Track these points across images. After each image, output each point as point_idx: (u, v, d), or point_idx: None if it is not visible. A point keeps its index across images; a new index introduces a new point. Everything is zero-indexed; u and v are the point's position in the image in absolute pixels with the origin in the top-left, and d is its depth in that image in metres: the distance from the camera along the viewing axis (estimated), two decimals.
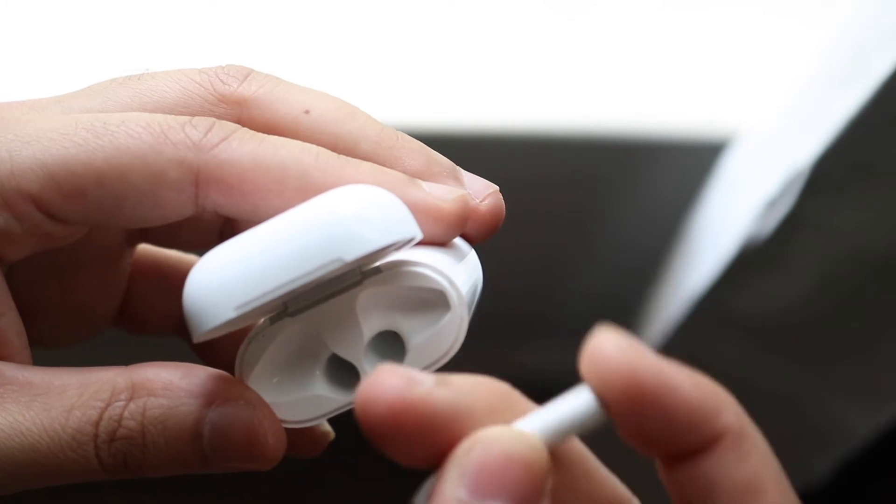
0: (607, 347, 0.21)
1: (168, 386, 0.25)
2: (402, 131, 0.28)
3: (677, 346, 0.62)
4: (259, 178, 0.25)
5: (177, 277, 0.32)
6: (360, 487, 0.83)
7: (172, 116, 0.26)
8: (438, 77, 0.60)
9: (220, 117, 0.27)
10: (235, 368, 0.27)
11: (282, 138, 0.26)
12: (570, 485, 0.23)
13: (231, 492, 0.77)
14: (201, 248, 0.26)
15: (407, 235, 0.25)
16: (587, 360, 0.21)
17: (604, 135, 0.61)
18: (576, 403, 0.22)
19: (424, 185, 0.27)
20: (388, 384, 0.20)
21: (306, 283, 0.24)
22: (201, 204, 0.26)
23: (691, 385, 0.21)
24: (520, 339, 0.80)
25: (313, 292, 0.26)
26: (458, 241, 0.28)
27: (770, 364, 0.60)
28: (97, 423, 0.25)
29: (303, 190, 0.25)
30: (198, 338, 0.25)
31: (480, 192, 0.28)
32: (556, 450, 0.22)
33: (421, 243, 0.26)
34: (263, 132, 0.26)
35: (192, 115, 0.26)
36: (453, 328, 0.26)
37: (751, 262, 0.55)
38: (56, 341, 0.31)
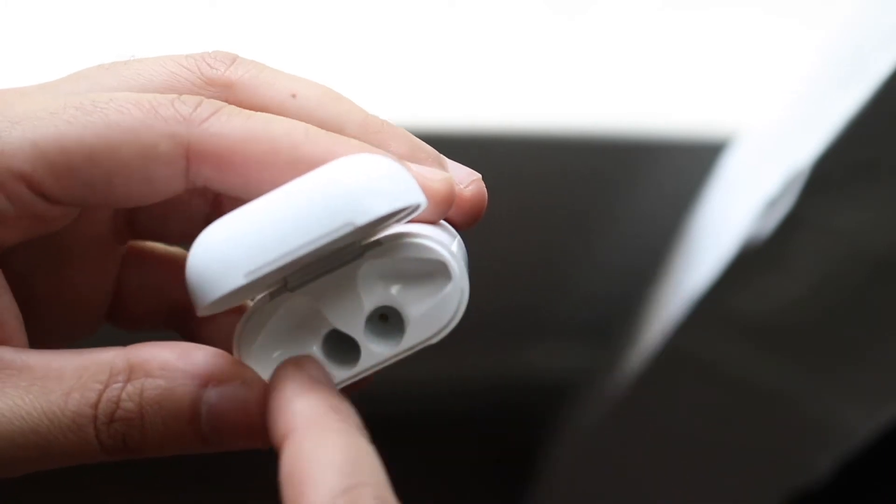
0: None
1: (165, 366, 0.25)
2: None
3: (677, 346, 0.62)
4: (250, 151, 0.25)
5: (165, 270, 0.32)
6: None
7: (161, 94, 0.26)
8: (438, 76, 0.60)
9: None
10: (233, 345, 0.27)
11: (271, 115, 0.26)
12: None
13: (231, 489, 0.77)
14: (188, 241, 0.26)
15: (414, 201, 0.25)
16: None
17: (604, 135, 0.61)
18: None
19: (412, 165, 0.27)
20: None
21: (316, 248, 0.24)
22: (192, 179, 0.26)
23: None
24: (519, 338, 0.80)
25: (314, 266, 0.26)
26: (445, 224, 0.28)
27: (770, 364, 0.60)
28: (96, 405, 0.25)
29: (294, 163, 0.25)
30: (202, 310, 0.25)
31: (464, 179, 0.28)
32: None
33: (412, 222, 0.27)
34: None
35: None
36: (454, 300, 0.26)
37: (751, 262, 0.55)
38: (48, 341, 0.31)
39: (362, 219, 0.24)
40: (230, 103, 0.27)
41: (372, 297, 0.26)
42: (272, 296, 0.27)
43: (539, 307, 0.79)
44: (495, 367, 0.81)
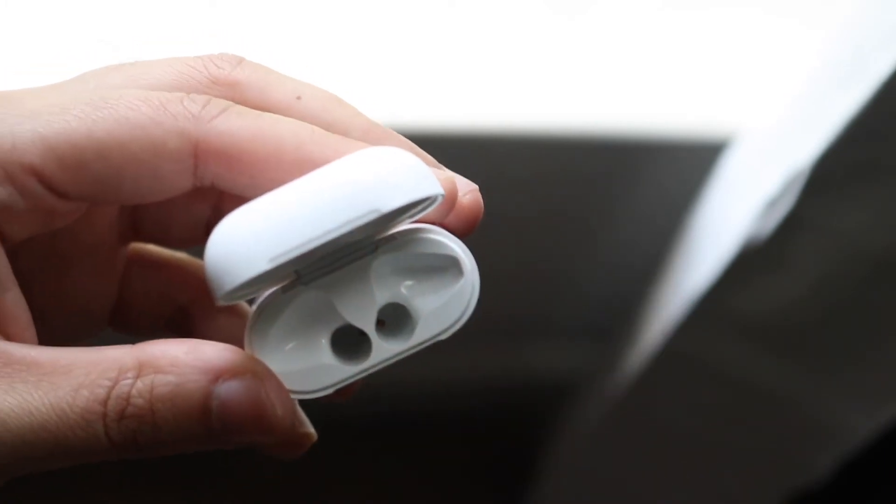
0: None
1: (175, 362, 0.25)
2: (402, 131, 0.29)
3: (677, 346, 0.62)
4: (257, 149, 0.26)
5: (168, 273, 0.32)
6: (361, 487, 0.83)
7: (170, 92, 0.26)
8: (438, 77, 0.60)
9: None
10: (245, 338, 0.27)
11: (278, 115, 0.27)
12: None
13: (231, 491, 0.77)
14: (188, 245, 0.26)
15: (434, 191, 0.26)
16: None
17: (604, 135, 0.61)
18: None
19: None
20: None
21: (340, 234, 0.24)
22: (200, 176, 0.26)
23: None
24: (519, 338, 0.80)
25: (327, 260, 0.26)
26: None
27: (770, 364, 0.60)
28: (105, 402, 0.25)
29: (300, 162, 0.26)
30: (222, 298, 0.25)
31: (463, 188, 0.28)
32: None
33: (417, 222, 0.27)
34: None
35: None
36: (465, 295, 0.26)
37: (751, 262, 0.55)
38: (52, 344, 0.31)
39: (387, 206, 0.24)
40: (237, 102, 0.27)
41: (384, 292, 0.27)
42: (284, 290, 0.27)
43: (539, 307, 0.79)
44: (495, 367, 0.81)
